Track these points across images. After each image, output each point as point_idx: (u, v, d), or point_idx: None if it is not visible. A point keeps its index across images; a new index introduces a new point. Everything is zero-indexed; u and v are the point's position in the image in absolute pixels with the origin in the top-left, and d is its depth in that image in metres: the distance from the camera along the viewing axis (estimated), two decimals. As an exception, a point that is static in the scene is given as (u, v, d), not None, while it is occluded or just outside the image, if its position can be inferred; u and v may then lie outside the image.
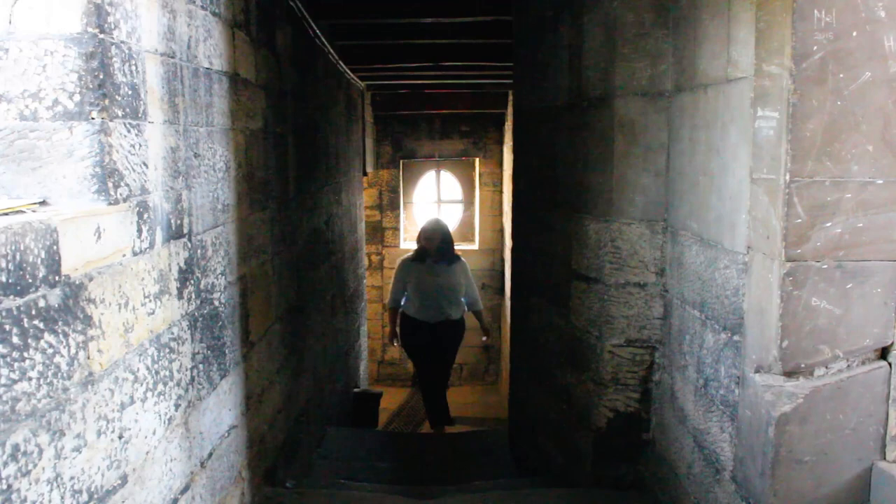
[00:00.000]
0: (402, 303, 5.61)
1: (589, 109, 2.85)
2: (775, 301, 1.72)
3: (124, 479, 1.55)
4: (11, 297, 1.14)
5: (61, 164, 1.46)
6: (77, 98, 1.45)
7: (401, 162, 11.02)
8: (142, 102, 1.67)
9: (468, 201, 11.35)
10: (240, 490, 2.50)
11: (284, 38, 3.38)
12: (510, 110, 9.15)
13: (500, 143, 10.68)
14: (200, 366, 2.09)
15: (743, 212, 1.92)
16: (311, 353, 4.10)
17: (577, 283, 2.97)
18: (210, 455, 2.17)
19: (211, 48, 2.24)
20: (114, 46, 1.52)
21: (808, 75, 1.64)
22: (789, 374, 1.74)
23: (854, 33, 1.62)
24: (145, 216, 1.68)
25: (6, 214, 1.29)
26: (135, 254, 1.62)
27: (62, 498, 1.29)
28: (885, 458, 1.74)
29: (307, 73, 4.09)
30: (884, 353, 1.75)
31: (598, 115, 2.78)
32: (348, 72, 6.16)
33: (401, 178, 11.06)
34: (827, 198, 1.68)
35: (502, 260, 10.15)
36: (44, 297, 1.23)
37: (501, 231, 10.42)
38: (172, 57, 1.90)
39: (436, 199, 11.37)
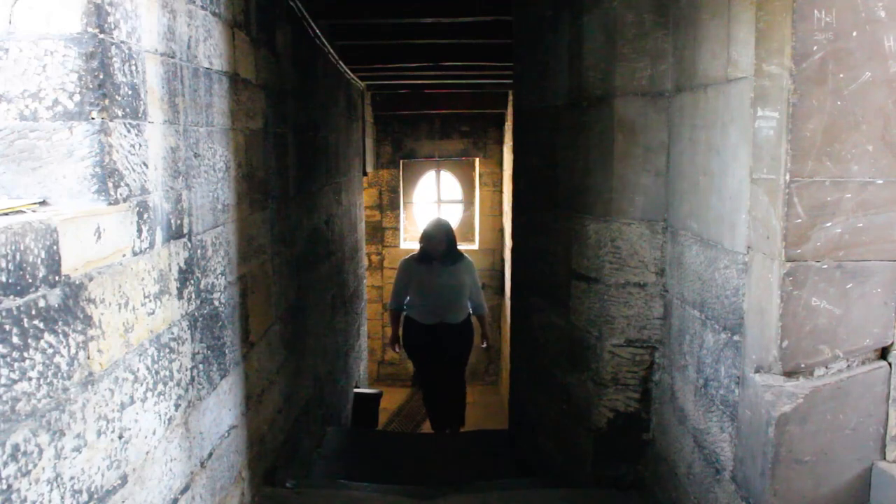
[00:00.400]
0: (405, 305, 5.40)
1: (589, 109, 2.85)
2: (775, 301, 1.72)
3: (124, 479, 1.55)
4: (11, 297, 1.14)
5: (61, 164, 1.46)
6: (77, 98, 1.45)
7: (401, 162, 11.03)
8: (142, 102, 1.67)
9: (468, 201, 11.35)
10: (240, 490, 2.50)
11: (284, 38, 3.38)
12: (510, 110, 9.15)
13: (500, 143, 10.68)
14: (200, 366, 2.09)
15: (743, 212, 1.92)
16: (311, 353, 4.10)
17: (577, 282, 2.97)
18: (210, 455, 2.17)
19: (211, 48, 2.24)
20: (114, 46, 1.52)
21: (808, 75, 1.64)
22: (789, 374, 1.74)
23: (854, 33, 1.62)
24: (145, 216, 1.68)
25: (6, 214, 1.29)
26: (135, 254, 1.62)
27: (62, 498, 1.29)
28: (885, 458, 1.74)
29: (307, 73, 4.09)
30: (884, 353, 1.75)
31: (598, 115, 2.78)
32: (348, 72, 6.16)
33: (401, 178, 11.07)
34: (827, 198, 1.68)
35: (502, 260, 10.16)
36: (44, 297, 1.23)
37: (501, 231, 10.42)
38: (172, 57, 1.90)
39: (436, 199, 11.38)
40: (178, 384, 1.90)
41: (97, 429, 1.42)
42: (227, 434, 2.35)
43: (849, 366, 1.74)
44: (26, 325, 1.18)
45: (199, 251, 2.10)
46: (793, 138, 1.66)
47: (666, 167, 2.63)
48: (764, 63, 1.78)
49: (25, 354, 1.17)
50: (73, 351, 1.33)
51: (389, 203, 11.02)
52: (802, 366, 1.74)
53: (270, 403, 2.98)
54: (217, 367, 2.25)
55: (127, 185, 1.58)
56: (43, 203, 1.45)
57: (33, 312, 1.20)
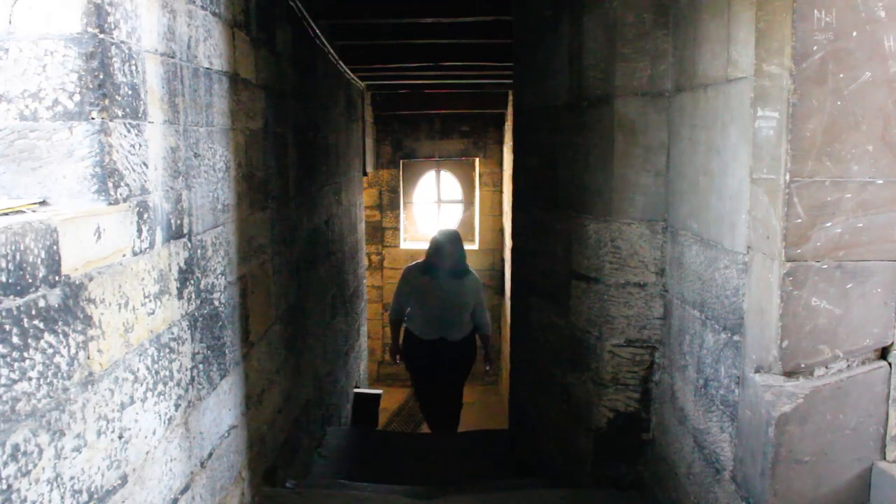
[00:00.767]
0: (406, 316, 5.20)
1: (589, 109, 2.85)
2: (775, 301, 1.72)
3: (124, 479, 1.55)
4: (11, 297, 1.14)
5: (61, 164, 1.46)
6: (77, 98, 1.45)
7: (401, 162, 11.03)
8: (142, 102, 1.67)
9: (468, 201, 11.36)
10: (240, 490, 2.50)
11: (284, 38, 3.38)
12: (510, 110, 9.16)
13: (500, 143, 10.68)
14: (200, 366, 2.09)
15: (743, 212, 1.92)
16: (311, 353, 4.10)
17: (577, 282, 2.97)
18: (210, 455, 2.17)
19: (211, 48, 2.24)
20: (114, 46, 1.52)
21: (808, 75, 1.64)
22: (789, 374, 1.74)
23: (854, 33, 1.62)
24: (145, 216, 1.68)
25: (6, 214, 1.29)
26: (135, 254, 1.62)
27: (62, 498, 1.29)
28: (885, 458, 1.74)
29: (307, 73, 4.09)
30: (884, 353, 1.75)
31: (598, 115, 2.78)
32: (348, 72, 6.16)
33: (401, 178, 11.07)
34: (827, 198, 1.68)
35: (502, 260, 10.16)
36: (44, 297, 1.23)
37: (501, 231, 10.42)
38: (172, 57, 1.90)
39: (436, 199, 11.38)
40: (178, 384, 1.90)
41: (97, 429, 1.42)
42: (227, 434, 2.35)
43: (849, 366, 1.74)
44: (26, 325, 1.18)
45: (199, 251, 2.10)
46: (793, 138, 1.66)
47: (666, 167, 2.63)
48: (764, 63, 1.78)
49: (25, 354, 1.17)
50: (73, 351, 1.33)
51: (389, 203, 11.03)
52: (802, 366, 1.74)
53: (270, 403, 2.98)
54: (217, 367, 2.25)
55: (127, 185, 1.58)
56: (43, 203, 1.45)
57: (33, 312, 1.20)
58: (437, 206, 11.33)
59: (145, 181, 1.69)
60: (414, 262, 5.25)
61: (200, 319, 2.10)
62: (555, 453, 3.28)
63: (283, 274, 3.27)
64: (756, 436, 1.81)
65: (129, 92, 1.60)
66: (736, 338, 1.99)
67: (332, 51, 5.07)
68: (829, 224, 1.68)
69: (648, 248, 2.70)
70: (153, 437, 1.72)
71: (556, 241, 3.15)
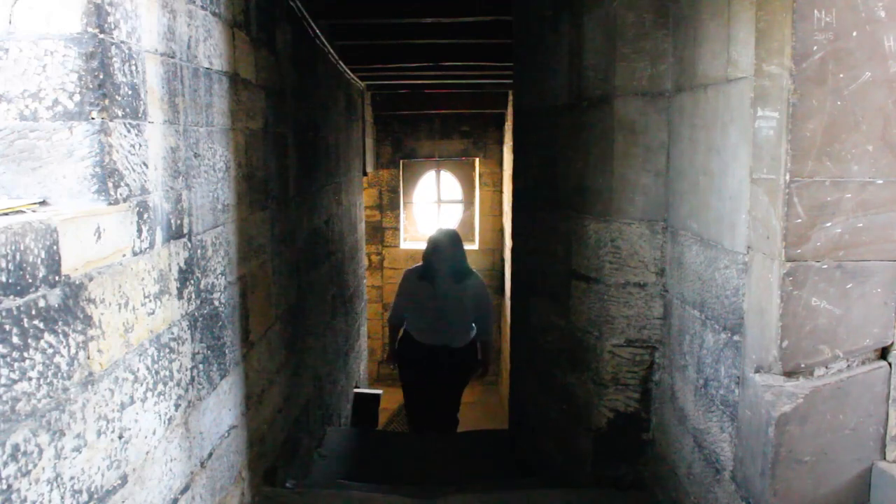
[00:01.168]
0: (407, 321, 4.91)
1: (589, 109, 2.85)
2: (775, 301, 1.72)
3: (124, 479, 1.55)
4: (11, 297, 1.14)
5: (61, 164, 1.46)
6: (77, 98, 1.45)
7: (401, 162, 11.04)
8: (142, 102, 1.67)
9: (468, 201, 11.36)
10: (240, 490, 2.50)
11: (284, 38, 3.38)
12: (510, 110, 9.16)
13: (500, 143, 10.69)
14: (200, 366, 2.09)
15: (743, 212, 1.92)
16: (311, 353, 4.10)
17: (576, 282, 2.97)
18: (210, 455, 2.17)
19: (211, 48, 2.24)
20: (114, 46, 1.52)
21: (808, 75, 1.64)
22: (789, 374, 1.74)
23: (854, 33, 1.62)
24: (145, 216, 1.68)
25: (6, 214, 1.29)
26: (135, 254, 1.62)
27: (62, 498, 1.29)
28: (885, 458, 1.74)
29: (307, 73, 4.09)
30: (884, 353, 1.75)
31: (598, 115, 2.78)
32: (348, 72, 6.16)
33: (401, 178, 11.07)
34: (827, 198, 1.68)
35: (502, 260, 10.16)
36: (44, 297, 1.23)
37: (501, 231, 10.43)
38: (172, 57, 1.90)
39: (436, 199, 11.38)
40: (178, 384, 1.90)
41: (97, 429, 1.42)
42: (227, 434, 2.35)
43: (849, 366, 1.74)
44: (26, 325, 1.18)
45: (199, 251, 2.10)
46: (793, 138, 1.66)
47: (666, 167, 2.63)
48: (764, 63, 1.78)
49: (25, 354, 1.17)
50: (73, 351, 1.33)
51: (389, 203, 11.03)
52: (802, 366, 1.74)
53: (270, 403, 2.98)
54: (217, 367, 2.25)
55: (127, 185, 1.58)
56: (43, 203, 1.45)
57: (33, 312, 1.20)
58: (437, 206, 11.33)
59: (145, 181, 1.69)
60: (413, 266, 4.98)
61: (200, 319, 2.10)
62: (555, 453, 3.28)
63: (283, 274, 3.27)
64: (756, 436, 1.81)
65: (129, 92, 1.60)
66: (736, 338, 1.99)
67: (332, 51, 5.07)
68: (829, 224, 1.68)
69: (648, 248, 2.70)
70: (153, 437, 1.72)
71: (556, 241, 3.15)
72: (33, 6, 1.42)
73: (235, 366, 2.46)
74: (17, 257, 1.15)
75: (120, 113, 1.54)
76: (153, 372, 1.73)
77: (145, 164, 1.69)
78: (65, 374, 1.30)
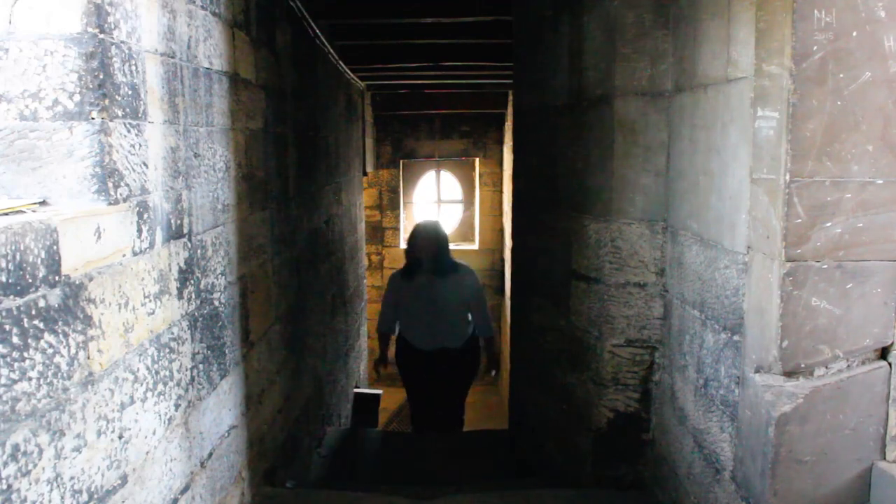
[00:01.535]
0: (399, 324, 4.72)
1: (589, 109, 2.85)
2: (775, 301, 1.72)
3: (124, 479, 1.55)
4: (11, 297, 1.14)
5: (61, 164, 1.46)
6: (77, 98, 1.45)
7: (401, 162, 11.04)
8: (142, 102, 1.67)
9: (468, 201, 11.36)
10: (240, 490, 2.50)
11: (284, 38, 3.38)
12: (510, 110, 9.16)
13: (500, 143, 10.69)
14: (200, 366, 2.09)
15: (743, 212, 1.92)
16: (311, 353, 4.10)
17: (577, 282, 2.97)
18: (210, 455, 2.17)
19: (211, 48, 2.24)
20: (114, 46, 1.52)
21: (808, 75, 1.64)
22: (789, 374, 1.74)
23: (854, 33, 1.62)
24: (145, 216, 1.68)
25: (6, 214, 1.29)
26: (135, 254, 1.62)
27: (62, 498, 1.29)
28: (885, 458, 1.74)
29: (307, 73, 4.09)
30: (884, 353, 1.75)
31: (598, 115, 2.78)
32: (348, 72, 6.16)
33: (401, 178, 11.07)
34: (827, 198, 1.68)
35: (502, 260, 10.16)
36: (44, 297, 1.23)
37: (501, 231, 10.43)
38: (172, 57, 1.90)
39: (436, 199, 11.38)
40: (178, 384, 1.90)
41: (97, 429, 1.42)
42: (227, 434, 2.35)
43: (849, 366, 1.74)
44: (26, 325, 1.18)
45: (199, 251, 2.09)
46: (793, 138, 1.66)
47: (666, 167, 2.63)
48: (764, 63, 1.78)
49: (25, 354, 1.17)
50: (73, 351, 1.33)
51: (389, 203, 11.03)
52: (802, 366, 1.74)
53: (270, 403, 2.98)
54: (217, 367, 2.25)
55: (127, 185, 1.58)
56: (43, 203, 1.45)
57: (33, 312, 1.20)
58: (437, 206, 11.33)
59: (145, 181, 1.69)
60: (397, 270, 4.78)
61: (200, 319, 2.10)
62: (555, 453, 3.28)
63: (283, 274, 3.27)
64: (756, 436, 1.81)
65: (129, 92, 1.60)
66: (736, 338, 1.99)
67: (332, 51, 5.07)
68: (829, 224, 1.68)
69: (648, 248, 2.70)
70: (153, 437, 1.72)
71: (556, 241, 3.15)
72: (33, 6, 1.42)
73: (235, 366, 2.46)
74: (18, 257, 1.15)
75: (120, 113, 1.54)
76: (153, 372, 1.73)
77: (145, 164, 1.69)
78: (65, 374, 1.30)
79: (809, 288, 1.70)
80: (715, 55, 2.13)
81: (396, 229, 11.04)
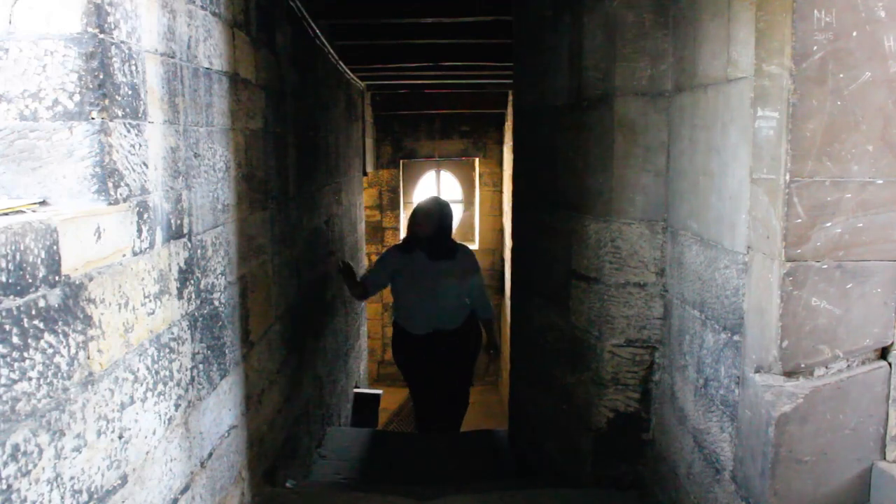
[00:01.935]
0: (393, 307, 4.60)
1: (589, 109, 2.85)
2: (775, 301, 1.72)
3: (124, 479, 1.55)
4: (11, 297, 1.14)
5: (61, 164, 1.46)
6: (77, 98, 1.45)
7: (401, 162, 11.04)
8: (142, 102, 1.67)
9: (468, 201, 11.36)
10: (240, 490, 2.50)
11: (284, 38, 3.38)
12: (510, 110, 9.16)
13: (500, 143, 10.69)
14: (200, 366, 2.09)
15: (743, 212, 1.92)
16: (311, 353, 4.10)
17: (576, 282, 2.97)
18: (210, 455, 2.17)
19: (211, 48, 2.24)
20: (114, 46, 1.52)
21: (808, 75, 1.64)
22: (789, 374, 1.74)
23: (854, 33, 1.62)
24: (145, 216, 1.68)
25: (6, 214, 1.29)
26: (135, 254, 1.62)
27: (62, 498, 1.29)
28: (885, 458, 1.74)
29: (307, 73, 4.09)
30: (884, 353, 1.75)
31: (598, 115, 2.78)
32: (348, 72, 6.16)
33: (401, 178, 11.08)
34: (827, 198, 1.68)
35: (502, 260, 10.17)
36: (44, 297, 1.23)
37: (501, 231, 10.43)
38: (172, 57, 1.90)
39: (436, 199, 11.37)
40: (178, 384, 1.90)
41: (97, 429, 1.42)
42: (227, 434, 2.35)
43: (849, 366, 1.74)
44: (26, 325, 1.18)
45: (199, 251, 2.10)
46: (793, 138, 1.66)
47: (666, 167, 2.63)
48: (764, 63, 1.78)
49: (25, 354, 1.17)
50: (73, 351, 1.33)
51: (389, 203, 11.03)
52: (802, 366, 1.74)
53: (270, 403, 2.98)
54: (217, 367, 2.25)
55: (127, 185, 1.58)
56: (43, 203, 1.45)
57: (33, 312, 1.20)
58: (437, 206, 11.31)
59: (145, 181, 1.69)
60: (398, 243, 4.60)
61: (200, 319, 2.10)
62: (555, 453, 3.28)
63: (283, 274, 3.27)
64: (756, 436, 1.81)
65: (129, 92, 1.60)
66: (736, 338, 1.99)
67: (332, 51, 5.07)
68: (829, 224, 1.68)
69: (648, 248, 2.70)
70: (153, 437, 1.72)
71: (556, 241, 3.15)
72: (33, 6, 1.42)
73: (235, 366, 2.46)
74: (17, 257, 1.15)
75: (120, 113, 1.54)
76: (153, 372, 1.73)
77: (145, 164, 1.69)
78: (65, 374, 1.30)
79: (809, 288, 1.70)
80: (715, 55, 2.13)
81: (396, 229, 11.05)
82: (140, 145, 1.65)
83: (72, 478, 1.32)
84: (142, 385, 1.66)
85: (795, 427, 1.71)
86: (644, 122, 2.64)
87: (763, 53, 1.78)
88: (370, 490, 3.26)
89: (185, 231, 1.98)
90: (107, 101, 1.48)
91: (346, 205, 6.05)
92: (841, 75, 1.63)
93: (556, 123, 3.15)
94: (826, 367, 1.74)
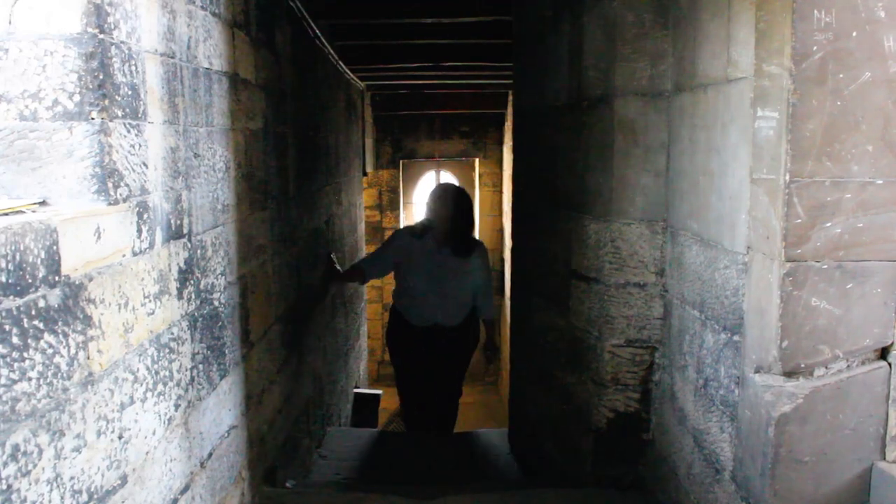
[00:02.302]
0: (394, 294, 4.40)
1: (589, 109, 2.85)
2: (775, 301, 1.72)
3: (124, 480, 1.55)
4: (11, 297, 1.14)
5: (61, 165, 1.46)
6: (77, 98, 1.45)
7: (401, 162, 11.04)
8: (142, 102, 1.67)
9: (468, 201, 11.34)
10: (240, 490, 2.50)
11: (284, 38, 3.38)
12: (510, 110, 9.16)
13: (500, 143, 10.69)
14: (200, 366, 2.09)
15: (743, 212, 1.92)
16: (311, 353, 4.10)
17: (576, 283, 2.97)
18: (210, 455, 2.17)
19: (211, 48, 2.24)
20: (114, 46, 1.52)
21: (808, 75, 1.64)
22: (789, 374, 1.74)
23: (854, 33, 1.62)
24: (145, 216, 1.68)
25: (6, 214, 1.29)
26: (135, 254, 1.62)
27: (62, 498, 1.29)
28: (885, 458, 1.74)
29: (307, 73, 4.09)
30: (884, 353, 1.75)
31: (598, 115, 2.78)
32: (348, 72, 6.16)
33: (401, 178, 11.08)
34: (827, 198, 1.68)
35: (502, 260, 10.16)
36: (44, 297, 1.23)
37: (501, 231, 10.43)
38: (172, 57, 1.90)
39: (436, 199, 11.37)
40: (178, 384, 1.90)
41: (97, 429, 1.42)
42: (227, 434, 2.35)
43: (849, 366, 1.74)
44: (26, 325, 1.18)
45: (198, 251, 2.09)
46: (793, 138, 1.66)
47: (666, 167, 2.63)
48: (764, 63, 1.78)
49: (25, 355, 1.17)
50: (72, 351, 1.33)
51: (389, 203, 11.03)
52: (802, 366, 1.74)
53: (270, 403, 2.98)
54: (217, 368, 2.25)
55: (127, 185, 1.58)
56: (43, 203, 1.45)
57: (33, 313, 1.20)
58: (437, 206, 11.31)
59: (145, 181, 1.69)
60: (409, 225, 4.33)
61: (200, 319, 2.10)
62: (555, 453, 3.28)
63: (283, 274, 3.27)
64: (756, 436, 1.81)
65: (129, 92, 1.60)
66: (736, 338, 1.99)
67: (332, 51, 5.07)
68: (829, 224, 1.68)
69: (648, 248, 2.70)
70: (153, 438, 1.72)
71: (556, 241, 3.15)
72: (33, 6, 1.42)
73: (235, 366, 2.46)
74: (17, 257, 1.15)
75: (120, 113, 1.54)
76: (153, 372, 1.73)
77: (145, 165, 1.69)
78: (65, 375, 1.30)
79: (809, 288, 1.70)
80: (715, 55, 2.13)
81: (396, 229, 11.05)
82: (140, 145, 1.65)
83: (72, 478, 1.32)
84: (141, 385, 1.66)
85: (795, 427, 1.71)
86: (644, 122, 2.64)
87: (763, 53, 1.78)
88: (370, 490, 3.26)
89: (185, 231, 1.98)
90: (106, 102, 1.48)
91: (346, 205, 6.05)
92: (841, 75, 1.63)
93: (555, 123, 3.15)
94: (826, 368, 1.74)
